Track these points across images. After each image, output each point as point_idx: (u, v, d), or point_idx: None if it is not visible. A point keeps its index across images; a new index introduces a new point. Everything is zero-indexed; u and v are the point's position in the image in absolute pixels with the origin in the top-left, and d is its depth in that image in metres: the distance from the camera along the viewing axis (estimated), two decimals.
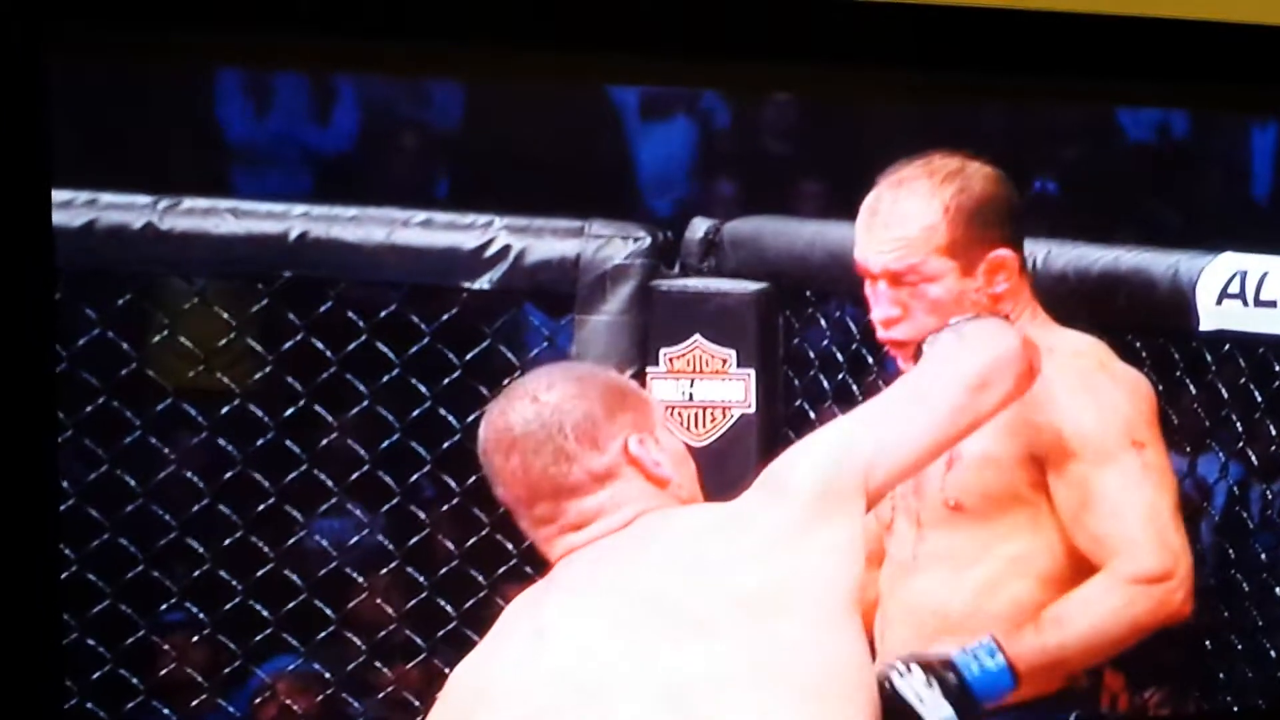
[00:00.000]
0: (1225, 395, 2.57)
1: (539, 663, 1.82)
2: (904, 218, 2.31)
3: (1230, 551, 2.63)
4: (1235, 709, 2.70)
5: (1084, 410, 2.27)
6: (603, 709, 1.78)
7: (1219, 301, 2.33)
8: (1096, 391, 2.28)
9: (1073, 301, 2.44)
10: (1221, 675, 2.74)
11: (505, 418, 1.92)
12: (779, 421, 2.60)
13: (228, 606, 2.72)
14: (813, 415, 2.67)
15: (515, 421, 1.91)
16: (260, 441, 2.70)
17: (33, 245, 1.77)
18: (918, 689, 2.11)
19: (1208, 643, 2.77)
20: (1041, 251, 2.50)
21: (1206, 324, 2.35)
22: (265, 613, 2.70)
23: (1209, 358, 2.52)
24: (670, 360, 2.58)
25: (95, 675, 2.63)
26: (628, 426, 1.92)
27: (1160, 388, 2.36)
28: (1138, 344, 2.51)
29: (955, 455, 2.26)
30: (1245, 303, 2.34)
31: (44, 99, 1.72)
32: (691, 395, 2.58)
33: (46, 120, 1.73)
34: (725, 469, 2.47)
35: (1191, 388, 2.60)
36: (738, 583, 1.82)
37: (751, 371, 2.56)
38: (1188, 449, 2.69)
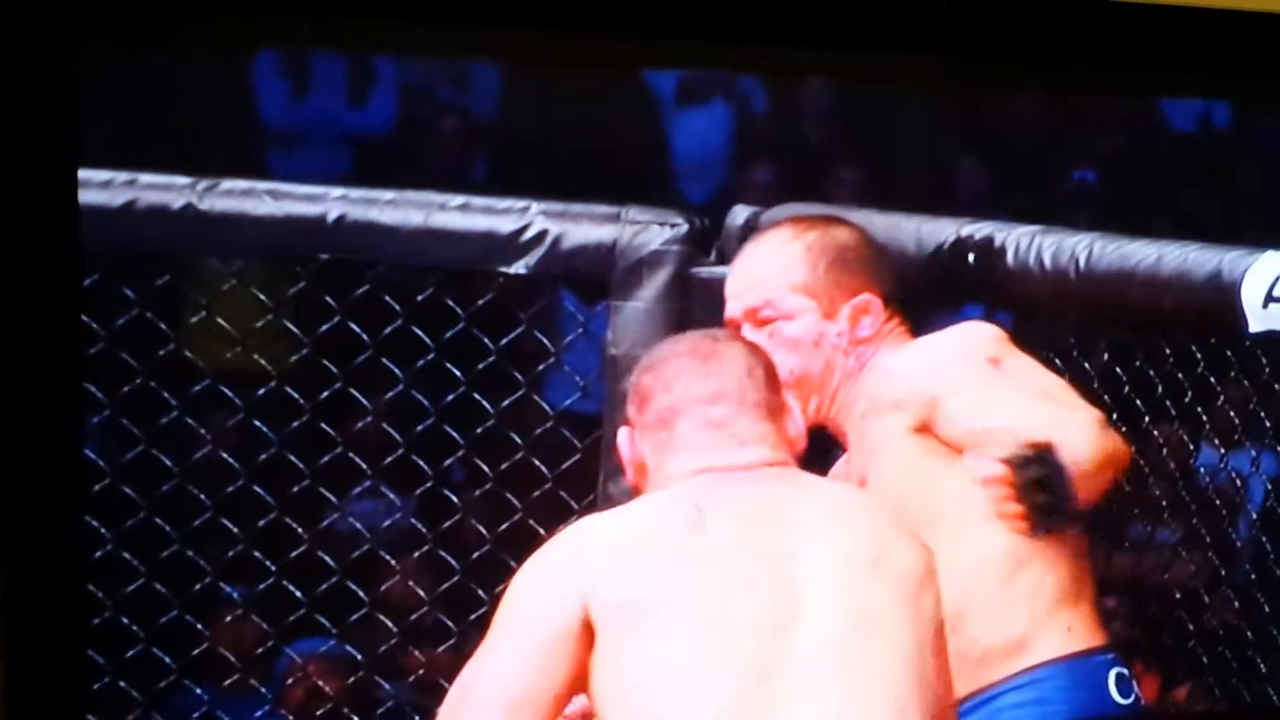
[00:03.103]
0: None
1: (700, 536, 1.94)
2: (762, 257, 2.32)
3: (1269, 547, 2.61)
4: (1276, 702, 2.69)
5: (931, 362, 2.25)
6: (757, 593, 1.90)
7: (1265, 305, 2.31)
8: (934, 344, 2.27)
9: (1118, 306, 2.43)
10: (1262, 669, 2.73)
11: (704, 337, 2.09)
12: None
13: (260, 587, 2.73)
14: None
15: (718, 338, 2.09)
16: (295, 423, 2.71)
17: (60, 229, 1.77)
18: None
19: (1245, 637, 2.76)
20: (1084, 252, 2.48)
21: (1255, 326, 2.33)
22: (298, 594, 2.71)
23: (1262, 357, 2.50)
24: None
25: (128, 654, 2.64)
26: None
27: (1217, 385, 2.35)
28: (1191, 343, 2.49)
29: (862, 480, 2.26)
30: None
31: (72, 81, 1.72)
32: None
33: (75, 102, 1.73)
34: None
35: (1244, 384, 2.58)
36: (854, 544, 1.96)
37: None
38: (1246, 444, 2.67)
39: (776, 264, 2.30)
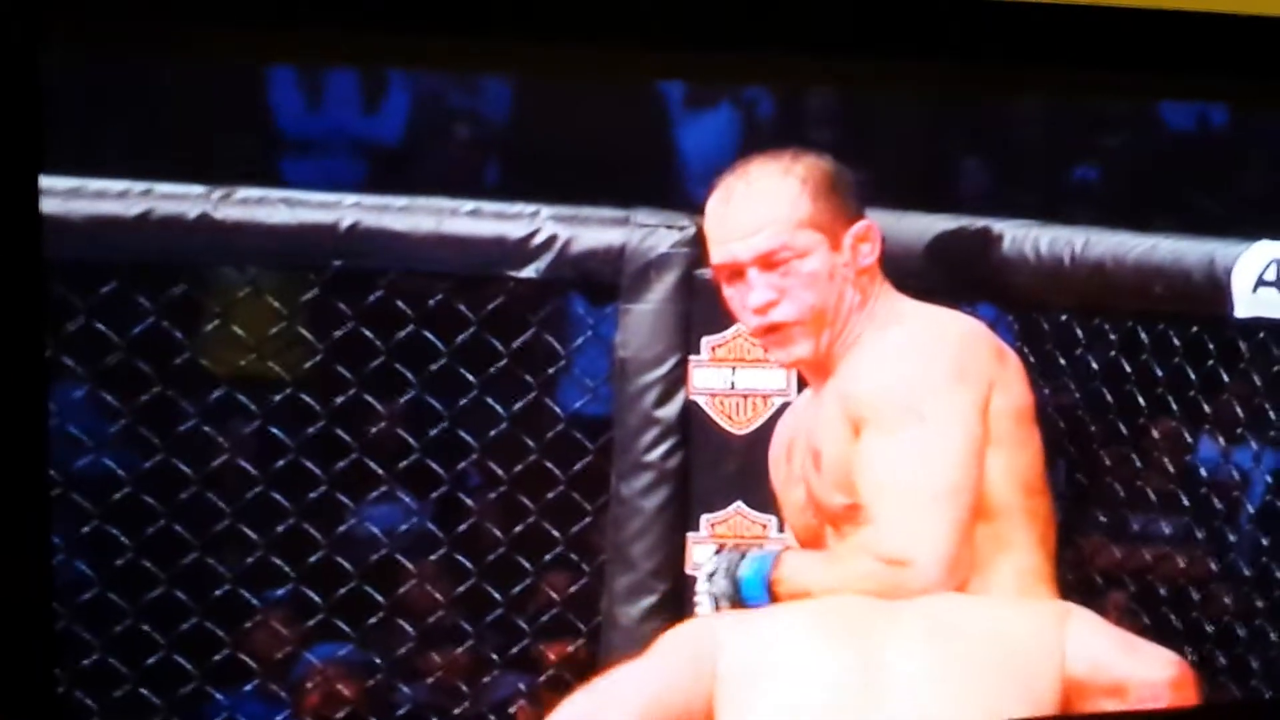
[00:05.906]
0: (1259, 384, 2.56)
1: None
2: (762, 197, 2.30)
3: (1265, 541, 2.62)
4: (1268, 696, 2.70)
5: (880, 375, 2.25)
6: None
7: (1255, 289, 2.33)
8: (900, 357, 2.26)
9: (1109, 289, 2.45)
10: (1254, 664, 2.74)
11: None
12: None
13: (278, 593, 2.75)
14: None
15: None
16: (309, 429, 2.73)
17: (21, 236, 1.76)
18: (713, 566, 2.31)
19: (1240, 632, 2.77)
20: (1079, 240, 2.50)
21: (1242, 311, 2.35)
22: (315, 598, 2.74)
23: (1243, 346, 2.52)
24: (713, 349, 2.60)
25: (148, 660, 2.67)
26: None
27: (1195, 377, 2.36)
28: (1171, 333, 2.50)
29: (821, 466, 2.28)
30: None
31: (37, 84, 1.72)
32: (734, 384, 2.59)
33: (39, 108, 1.73)
34: (766, 457, 2.49)
35: (1226, 376, 2.60)
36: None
37: None
38: (1221, 438, 2.69)
39: (780, 201, 2.30)
